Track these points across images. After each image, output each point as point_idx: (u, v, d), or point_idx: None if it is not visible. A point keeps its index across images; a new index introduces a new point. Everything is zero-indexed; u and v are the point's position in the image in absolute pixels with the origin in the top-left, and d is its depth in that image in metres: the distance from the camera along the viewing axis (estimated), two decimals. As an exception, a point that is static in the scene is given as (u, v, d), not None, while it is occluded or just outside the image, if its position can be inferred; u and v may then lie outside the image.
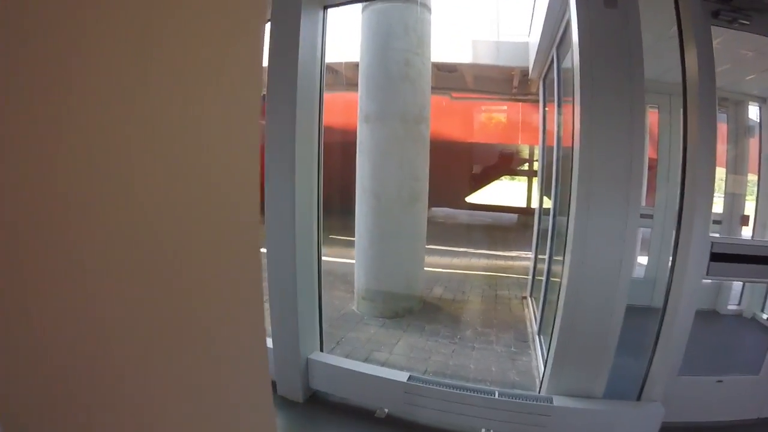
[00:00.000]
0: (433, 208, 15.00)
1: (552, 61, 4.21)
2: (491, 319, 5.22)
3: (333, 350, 4.25)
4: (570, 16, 2.55)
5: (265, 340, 0.97)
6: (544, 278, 4.30)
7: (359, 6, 5.27)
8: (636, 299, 2.58)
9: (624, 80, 2.25)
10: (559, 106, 4.08)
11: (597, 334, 2.41)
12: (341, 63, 7.85)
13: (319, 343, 3.38)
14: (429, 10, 5.41)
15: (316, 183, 3.18)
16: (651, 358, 2.56)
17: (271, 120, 2.91)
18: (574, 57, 2.41)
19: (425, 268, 6.94)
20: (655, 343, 2.55)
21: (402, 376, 2.78)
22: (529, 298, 5.67)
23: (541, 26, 4.29)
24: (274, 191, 2.95)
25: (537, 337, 4.14)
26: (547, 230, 4.40)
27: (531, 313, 5.17)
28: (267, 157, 2.96)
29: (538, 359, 3.70)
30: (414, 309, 5.47)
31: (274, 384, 3.15)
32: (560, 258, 2.73)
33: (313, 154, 3.09)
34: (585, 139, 2.31)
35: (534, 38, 5.13)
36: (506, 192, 16.99)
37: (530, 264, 5.92)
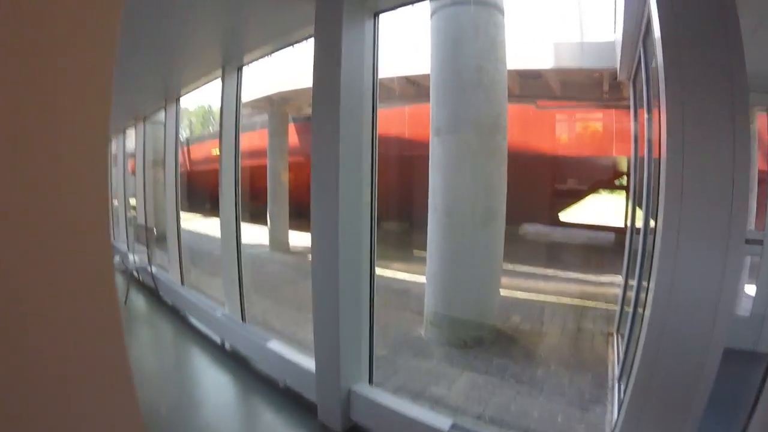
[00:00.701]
0: (525, 225, 14.40)
1: (639, 58, 3.72)
2: (569, 357, 4.70)
3: (389, 378, 4.01)
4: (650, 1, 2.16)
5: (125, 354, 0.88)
6: (630, 310, 3.68)
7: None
8: (737, 341, 2.09)
9: (720, 75, 1.83)
10: (648, 110, 3.57)
11: (683, 386, 1.94)
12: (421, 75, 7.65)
13: (368, 372, 3.12)
14: (501, 12, 5.05)
15: (369, 198, 2.97)
16: (748, 420, 2.04)
17: (315, 135, 2.80)
18: (657, 51, 2.03)
19: (506, 292, 6.56)
20: (756, 400, 2.03)
21: (444, 423, 2.44)
22: (615, 335, 5.05)
23: (623, 17, 3.82)
24: (318, 207, 2.84)
25: (617, 384, 3.61)
26: (638, 252, 3.85)
27: (615, 353, 4.58)
28: (312, 172, 2.84)
29: (614, 412, 3.17)
30: (485, 339, 5.05)
31: (315, 407, 3.02)
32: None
33: (361, 168, 2.87)
34: (673, 148, 1.90)
35: (620, 35, 4.64)
36: (603, 208, 15.96)
37: (619, 292, 5.30)
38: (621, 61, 4.42)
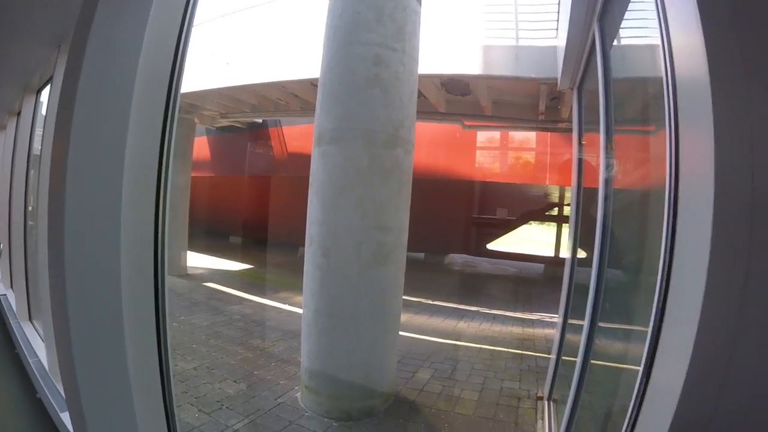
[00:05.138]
0: (452, 255, 13.50)
1: (592, 45, 2.56)
2: (483, 437, 3.50)
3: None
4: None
5: None
6: (577, 364, 2.52)
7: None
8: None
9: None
10: (606, 117, 2.30)
11: None
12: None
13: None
14: (417, -3, 3.87)
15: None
16: None
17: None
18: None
19: (418, 336, 5.87)
20: None
21: None
22: (546, 402, 3.83)
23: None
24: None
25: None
26: (587, 288, 2.61)
27: (547, 429, 3.41)
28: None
29: None
30: (376, 410, 3.75)
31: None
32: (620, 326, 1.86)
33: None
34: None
35: (562, 40, 3.54)
36: (533, 239, 15.40)
37: (556, 337, 4.02)
38: (565, 59, 3.24)
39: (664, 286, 0.99)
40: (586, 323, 2.47)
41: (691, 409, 0.84)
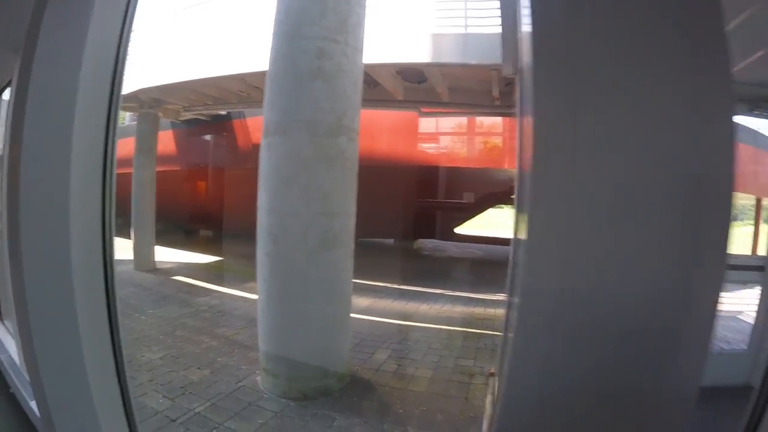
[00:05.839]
0: (420, 240, 13.63)
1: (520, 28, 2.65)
2: (435, 412, 3.65)
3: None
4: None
5: None
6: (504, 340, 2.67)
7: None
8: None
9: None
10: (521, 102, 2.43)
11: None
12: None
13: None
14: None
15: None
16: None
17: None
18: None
19: (381, 319, 5.97)
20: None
21: None
22: (497, 377, 3.99)
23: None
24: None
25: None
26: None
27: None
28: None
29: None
30: (331, 389, 3.89)
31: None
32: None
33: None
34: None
35: None
36: (502, 223, 15.64)
37: (504, 315, 4.24)
38: (503, 45, 3.35)
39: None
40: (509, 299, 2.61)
41: (516, 382, 0.94)
